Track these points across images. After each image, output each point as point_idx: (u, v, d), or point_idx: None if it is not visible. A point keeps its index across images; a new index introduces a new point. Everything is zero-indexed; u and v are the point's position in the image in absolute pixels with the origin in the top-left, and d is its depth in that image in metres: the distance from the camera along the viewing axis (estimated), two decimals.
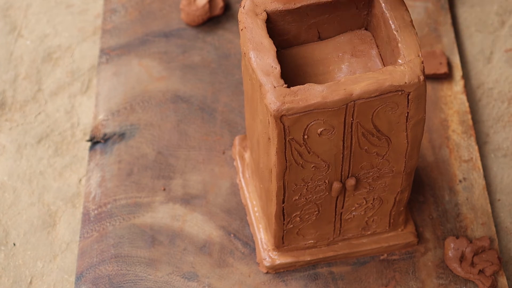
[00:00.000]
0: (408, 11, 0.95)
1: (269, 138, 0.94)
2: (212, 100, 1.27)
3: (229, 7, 1.36)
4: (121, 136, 1.24)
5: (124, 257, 1.13)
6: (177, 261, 1.13)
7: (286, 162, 0.96)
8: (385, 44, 0.96)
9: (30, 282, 1.14)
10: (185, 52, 1.32)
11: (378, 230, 1.11)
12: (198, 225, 1.16)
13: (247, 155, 1.18)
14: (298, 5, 0.97)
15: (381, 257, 1.13)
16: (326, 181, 1.00)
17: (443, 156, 1.21)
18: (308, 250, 1.12)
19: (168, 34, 1.34)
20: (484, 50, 1.34)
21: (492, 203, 1.19)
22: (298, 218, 1.05)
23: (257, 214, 1.14)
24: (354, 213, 1.07)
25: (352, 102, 0.91)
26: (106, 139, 1.23)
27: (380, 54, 0.99)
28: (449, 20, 1.34)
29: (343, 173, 1.00)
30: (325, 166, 0.98)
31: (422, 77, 0.91)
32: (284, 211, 1.03)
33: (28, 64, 1.33)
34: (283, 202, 1.02)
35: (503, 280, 1.11)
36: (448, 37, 1.32)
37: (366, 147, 0.97)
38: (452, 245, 1.12)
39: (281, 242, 1.09)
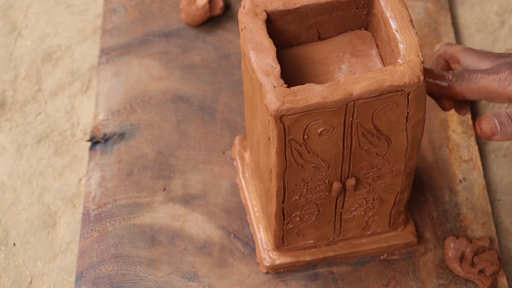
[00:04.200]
0: (408, 11, 0.95)
1: (269, 138, 0.94)
2: (212, 100, 1.27)
3: (229, 7, 1.36)
4: (121, 136, 1.24)
5: (124, 257, 1.13)
6: (177, 261, 1.13)
7: (286, 162, 0.96)
8: (385, 44, 0.96)
9: (30, 282, 1.14)
10: (185, 52, 1.32)
11: (378, 230, 1.11)
12: (198, 225, 1.16)
13: (247, 155, 1.18)
14: (298, 5, 0.97)
15: (381, 257, 1.13)
16: (326, 181, 1.00)
17: (443, 156, 1.21)
18: (308, 250, 1.12)
19: (168, 34, 1.34)
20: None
21: (492, 203, 1.19)
22: (298, 218, 1.05)
23: (257, 214, 1.14)
24: (354, 213, 1.07)
25: (352, 102, 0.91)
26: (106, 139, 1.23)
27: (380, 54, 0.99)
28: (449, 20, 1.34)
29: (343, 173, 1.00)
30: (325, 166, 0.98)
31: (422, 77, 0.91)
32: (284, 211, 1.03)
33: (28, 64, 1.33)
34: (283, 202, 1.02)
35: (503, 280, 1.11)
36: (448, 37, 1.32)
37: (366, 147, 0.97)
38: (452, 245, 1.12)
39: (281, 242, 1.09)
